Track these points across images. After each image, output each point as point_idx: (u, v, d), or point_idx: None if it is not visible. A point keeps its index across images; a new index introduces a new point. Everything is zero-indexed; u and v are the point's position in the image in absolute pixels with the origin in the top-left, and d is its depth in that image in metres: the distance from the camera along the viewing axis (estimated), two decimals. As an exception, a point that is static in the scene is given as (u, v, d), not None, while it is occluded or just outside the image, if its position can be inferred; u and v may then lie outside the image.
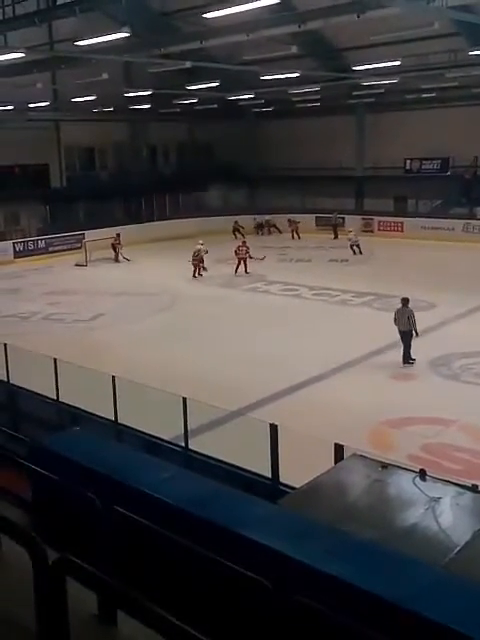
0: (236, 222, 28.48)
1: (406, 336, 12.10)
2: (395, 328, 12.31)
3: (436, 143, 27.55)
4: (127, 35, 13.46)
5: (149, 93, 24.37)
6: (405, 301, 12.33)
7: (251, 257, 20.90)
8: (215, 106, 28.89)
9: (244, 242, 21.79)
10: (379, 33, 17.81)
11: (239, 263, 20.85)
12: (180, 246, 24.52)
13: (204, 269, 20.77)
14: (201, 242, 21.22)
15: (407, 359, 12.12)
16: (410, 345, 12.06)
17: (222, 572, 2.49)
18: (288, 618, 2.18)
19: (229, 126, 31.89)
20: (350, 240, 23.96)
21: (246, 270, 20.73)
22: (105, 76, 19.96)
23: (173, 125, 31.53)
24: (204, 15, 12.29)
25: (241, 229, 28.19)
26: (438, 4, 12.72)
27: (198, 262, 20.66)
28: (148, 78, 23.25)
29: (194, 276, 20.54)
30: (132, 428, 8.04)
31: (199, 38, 16.58)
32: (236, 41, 16.56)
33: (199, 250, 20.81)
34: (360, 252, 23.71)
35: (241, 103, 29.09)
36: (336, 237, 27.75)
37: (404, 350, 12.07)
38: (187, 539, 2.62)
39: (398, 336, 12.34)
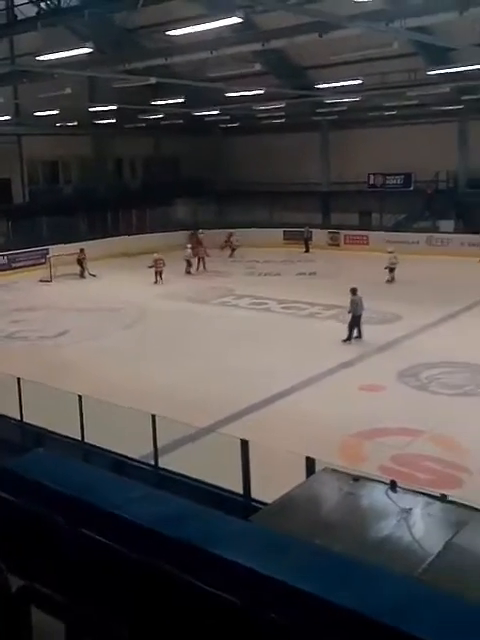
0: (198, 232, 28.38)
1: (357, 319, 14.34)
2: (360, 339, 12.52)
3: (398, 159, 28.21)
4: (90, 51, 13.45)
5: (114, 108, 24.35)
6: (354, 291, 14.59)
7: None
8: (181, 121, 29.07)
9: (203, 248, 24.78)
10: (341, 52, 18.21)
11: (199, 261, 24.11)
12: (147, 261, 24.40)
13: (160, 280, 22.17)
14: (157, 256, 22.37)
15: (360, 334, 14.43)
16: (361, 324, 14.47)
17: (194, 592, 2.43)
18: (263, 637, 2.13)
19: (195, 141, 32.09)
20: (391, 262, 21.07)
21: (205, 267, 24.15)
22: (68, 91, 19.89)
23: (139, 139, 31.50)
24: (168, 33, 12.37)
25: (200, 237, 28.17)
26: (397, 25, 13.10)
27: (159, 269, 22.18)
28: (113, 93, 23.22)
29: (156, 282, 21.99)
30: (99, 448, 7.88)
31: (163, 54, 16.71)
32: (200, 58, 16.74)
33: (157, 260, 22.24)
34: (392, 279, 20.92)
35: (207, 119, 29.33)
36: (307, 251, 28.04)
37: (358, 329, 14.38)
38: (158, 560, 2.55)
39: (364, 349, 12.61)
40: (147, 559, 2.52)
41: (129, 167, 34.00)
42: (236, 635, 2.26)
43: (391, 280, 20.81)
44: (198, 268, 24.32)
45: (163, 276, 22.15)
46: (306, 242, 28.49)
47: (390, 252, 21.31)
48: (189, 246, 24.68)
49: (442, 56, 20.57)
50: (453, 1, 12.51)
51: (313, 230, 29.34)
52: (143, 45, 22.89)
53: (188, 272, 23.73)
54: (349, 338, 14.34)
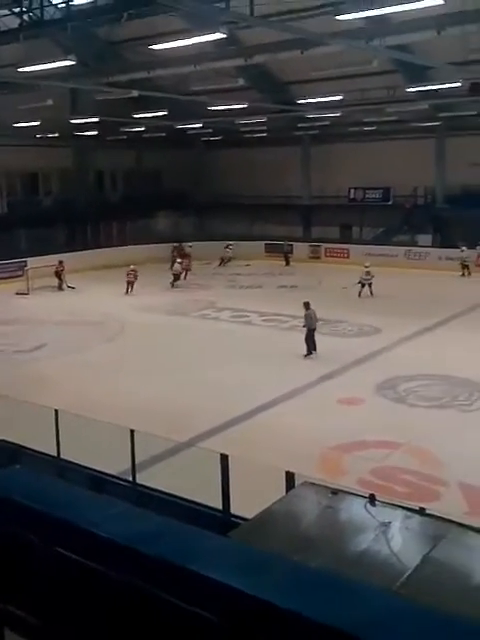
0: (185, 245, 28.46)
1: (312, 332, 14.62)
2: (339, 352, 12.62)
3: (378, 174, 28.61)
4: (73, 63, 13.46)
5: (96, 120, 24.36)
6: (307, 305, 15.03)
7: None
8: (163, 134, 29.16)
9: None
10: (322, 68, 18.49)
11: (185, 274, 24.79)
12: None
13: (131, 291, 22.54)
14: (133, 267, 22.82)
15: (314, 348, 14.55)
16: (314, 338, 14.63)
17: (173, 611, 2.41)
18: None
19: (177, 154, 32.20)
20: (362, 278, 20.91)
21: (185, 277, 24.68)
22: (50, 102, 19.86)
23: (120, 152, 31.46)
24: (151, 47, 12.45)
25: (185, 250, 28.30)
26: (376, 43, 13.36)
27: (131, 281, 22.51)
28: (95, 105, 23.29)
29: (126, 292, 22.33)
30: (76, 464, 7.77)
31: (146, 68, 16.79)
32: (183, 72, 16.86)
33: (129, 272, 22.67)
34: (367, 294, 20.80)
35: (189, 132, 29.47)
36: (288, 264, 28.16)
37: (313, 342, 14.56)
38: (136, 578, 2.53)
39: (343, 362, 12.64)
40: (124, 577, 2.50)
41: (110, 179, 33.90)
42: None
43: (360, 295, 20.67)
44: (186, 278, 24.74)
45: (134, 287, 22.49)
46: (286, 256, 28.70)
47: (366, 267, 21.15)
48: (179, 261, 24.85)
49: (420, 74, 20.98)
50: (431, 21, 12.81)
51: (294, 243, 29.57)
52: (126, 58, 22.96)
53: (174, 285, 23.69)
54: (309, 352, 14.51)
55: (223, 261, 28.76)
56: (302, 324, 14.91)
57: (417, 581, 3.40)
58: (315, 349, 14.60)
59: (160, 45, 12.14)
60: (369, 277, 20.86)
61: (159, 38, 13.54)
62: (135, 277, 22.56)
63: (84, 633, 2.26)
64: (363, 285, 20.74)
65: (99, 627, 2.53)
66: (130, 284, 22.48)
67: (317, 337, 16.42)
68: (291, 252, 29.14)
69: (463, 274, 24.56)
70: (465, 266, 24.60)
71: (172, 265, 26.93)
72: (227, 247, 28.78)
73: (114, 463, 7.54)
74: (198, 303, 20.64)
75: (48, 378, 13.13)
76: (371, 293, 20.77)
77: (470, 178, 26.83)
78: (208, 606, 2.29)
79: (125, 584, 2.46)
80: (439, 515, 4.20)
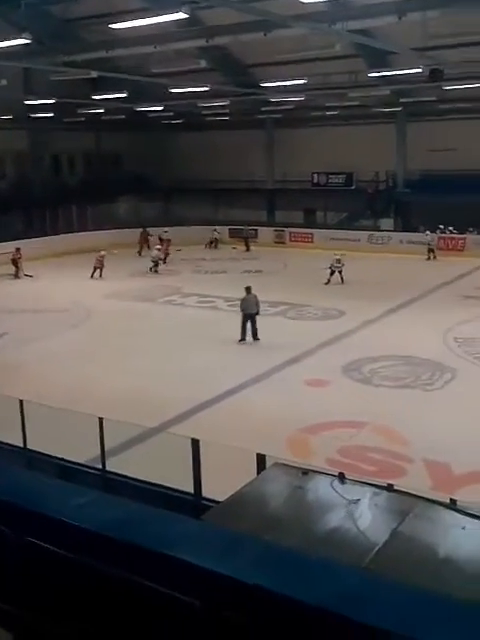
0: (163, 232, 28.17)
1: (251, 317, 14.37)
2: (305, 336, 12.82)
3: (341, 159, 28.78)
4: (28, 42, 13.04)
5: (52, 102, 23.68)
6: (248, 289, 14.82)
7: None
8: (123, 117, 28.60)
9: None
10: (285, 52, 18.41)
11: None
12: (90, 260, 23.95)
13: (100, 276, 22.45)
14: (103, 252, 22.70)
15: (255, 336, 14.34)
16: (256, 324, 14.43)
17: (149, 595, 2.42)
18: (218, 635, 2.15)
19: (138, 137, 31.67)
20: (332, 265, 20.79)
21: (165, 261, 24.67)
22: (3, 82, 19.24)
23: (79, 134, 30.64)
24: (111, 26, 12.17)
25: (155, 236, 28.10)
26: (339, 27, 13.36)
27: (100, 265, 22.43)
28: (51, 86, 22.62)
29: (92, 276, 22.30)
30: (44, 454, 7.67)
31: (105, 47, 16.40)
32: (144, 52, 16.54)
33: (102, 255, 22.59)
34: (336, 281, 20.56)
35: (150, 115, 29.00)
36: (248, 250, 28.18)
37: (253, 329, 14.34)
38: (110, 565, 2.53)
39: (309, 345, 12.88)
40: (99, 565, 2.50)
41: (68, 163, 33.05)
42: (196, 636, 2.28)
43: (329, 282, 20.47)
44: (165, 262, 24.71)
45: (102, 273, 22.41)
46: (246, 241, 28.57)
47: (336, 254, 21.06)
48: (158, 247, 24.61)
49: (382, 59, 21.11)
50: (393, 6, 12.88)
51: (258, 228, 29.57)
52: (83, 37, 22.37)
53: (154, 271, 23.34)
54: (243, 338, 14.25)
55: (211, 243, 28.68)
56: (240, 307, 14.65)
57: (386, 556, 3.50)
58: (249, 337, 14.28)
59: (120, 24, 11.88)
60: (340, 265, 20.73)
61: (118, 16, 13.26)
62: (102, 265, 22.43)
63: (61, 622, 2.25)
64: (333, 272, 20.64)
65: (76, 616, 2.53)
66: (97, 269, 22.37)
67: (283, 320, 16.56)
68: (255, 237, 29.13)
69: (429, 258, 24.95)
70: (431, 250, 25.02)
71: (140, 250, 26.77)
72: (215, 230, 28.79)
73: (83, 452, 7.49)
74: (164, 289, 20.49)
75: (12, 368, 12.86)
76: (342, 280, 20.61)
77: (429, 163, 27.25)
78: (186, 589, 2.31)
79: (100, 572, 2.46)
80: (406, 491, 4.31)
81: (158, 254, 23.99)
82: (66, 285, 21.47)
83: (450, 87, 21.08)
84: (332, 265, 20.73)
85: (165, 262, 24.81)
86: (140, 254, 26.77)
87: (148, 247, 26.68)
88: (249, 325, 14.43)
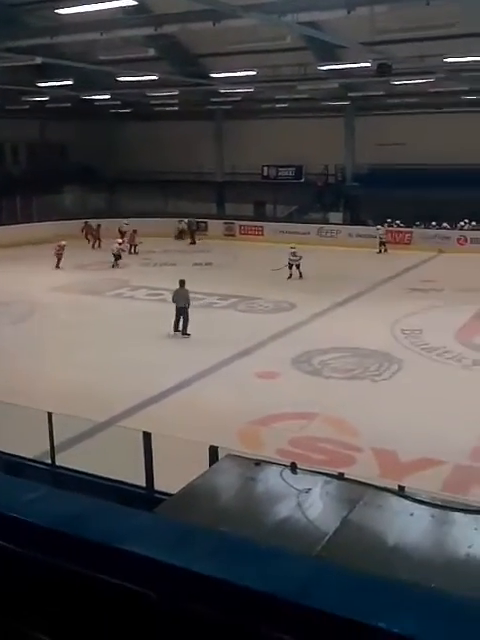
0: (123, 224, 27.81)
1: (183, 311, 14.27)
2: (256, 328, 12.94)
3: (290, 151, 28.98)
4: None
5: (-6, 88, 22.86)
6: (182, 283, 14.75)
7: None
8: (69, 105, 27.86)
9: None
10: (235, 43, 18.32)
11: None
12: (35, 252, 23.35)
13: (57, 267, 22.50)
14: (64, 242, 22.76)
15: (185, 331, 14.20)
16: (188, 319, 14.29)
17: (103, 590, 2.38)
18: (175, 627, 2.13)
19: (85, 126, 30.95)
20: (290, 259, 20.58)
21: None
22: None
23: (22, 122, 29.64)
24: (57, 11, 11.80)
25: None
26: (289, 19, 13.39)
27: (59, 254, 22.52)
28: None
29: (58, 266, 22.34)
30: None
31: (49, 33, 15.91)
32: (91, 39, 16.14)
33: (63, 245, 22.65)
34: (295, 275, 20.49)
35: (97, 103, 28.35)
36: (193, 242, 27.97)
37: (184, 323, 14.22)
38: (64, 560, 2.47)
39: (260, 337, 12.94)
40: (51, 560, 2.44)
41: (11, 152, 32.01)
42: (153, 628, 2.25)
43: (290, 277, 20.35)
44: (135, 252, 24.75)
45: (61, 263, 22.48)
46: (192, 234, 28.40)
47: (292, 248, 20.79)
48: (119, 241, 24.08)
49: (331, 52, 21.31)
50: (342, 0, 12.99)
51: (208, 221, 29.47)
52: (27, 22, 21.61)
53: (116, 266, 22.76)
54: (176, 329, 14.27)
55: (181, 234, 28.53)
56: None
57: (337, 544, 3.55)
58: (179, 330, 14.22)
59: (66, 9, 11.54)
60: (297, 258, 20.46)
61: (64, 2, 12.83)
62: (59, 252, 22.53)
63: (15, 619, 2.18)
64: (291, 266, 20.44)
65: (30, 612, 2.46)
66: (59, 258, 22.49)
67: (234, 313, 16.57)
68: (204, 229, 29.00)
69: (380, 251, 25.43)
70: (382, 243, 25.50)
71: (93, 244, 26.20)
72: (180, 221, 28.64)
73: (31, 447, 7.30)
74: (113, 282, 20.16)
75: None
76: (300, 275, 20.32)
77: (378, 157, 27.77)
78: (140, 582, 2.29)
79: (52, 567, 2.40)
80: (356, 479, 4.39)
81: (119, 248, 23.41)
82: (9, 277, 20.79)
83: (398, 82, 21.49)
84: (289, 259, 20.55)
85: (135, 252, 24.69)
86: (93, 247, 26.35)
87: (99, 241, 26.22)
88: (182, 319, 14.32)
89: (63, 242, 22.73)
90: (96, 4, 10.92)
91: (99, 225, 27.17)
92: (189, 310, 14.36)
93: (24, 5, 21.71)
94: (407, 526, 3.74)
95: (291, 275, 20.44)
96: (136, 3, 10.79)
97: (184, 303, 14.35)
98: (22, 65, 18.51)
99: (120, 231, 26.45)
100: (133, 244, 25.20)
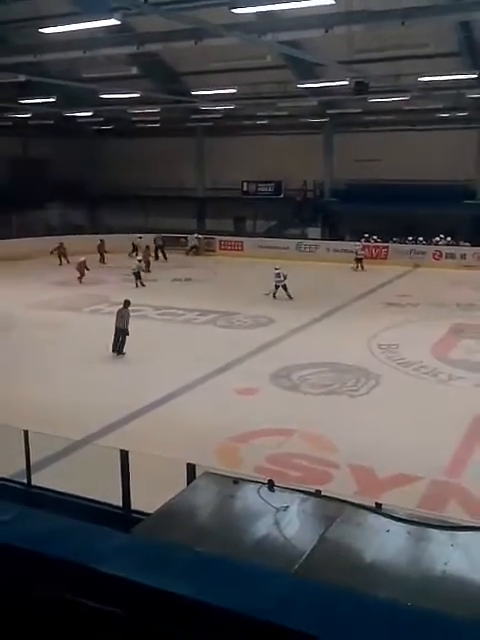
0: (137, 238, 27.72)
1: (122, 332, 14.12)
2: (235, 344, 12.93)
3: (270, 167, 29.29)
4: None
5: (-24, 105, 22.84)
6: (126, 303, 14.60)
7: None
8: (51, 122, 27.90)
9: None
10: (216, 60, 18.55)
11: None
12: (15, 268, 23.15)
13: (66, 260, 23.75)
14: (83, 257, 23.18)
15: (121, 350, 14.06)
16: (125, 340, 14.12)
17: (78, 611, 2.36)
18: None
19: (67, 143, 30.99)
20: (276, 280, 19.95)
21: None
22: None
23: (4, 139, 29.69)
24: (41, 30, 11.84)
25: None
26: (269, 38, 13.62)
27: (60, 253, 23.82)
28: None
29: (80, 280, 22.61)
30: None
31: (33, 51, 15.97)
32: (74, 57, 16.23)
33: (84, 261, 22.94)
34: (287, 296, 19.78)
35: (79, 120, 28.43)
36: (164, 259, 27.79)
37: (120, 343, 14.09)
38: (37, 580, 2.45)
39: (239, 353, 13.13)
40: (25, 582, 2.41)
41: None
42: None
43: (275, 296, 19.76)
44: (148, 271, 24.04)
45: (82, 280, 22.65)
46: (161, 250, 28.21)
47: (276, 269, 20.10)
48: (139, 258, 23.66)
49: (310, 71, 21.68)
50: (320, 19, 13.25)
51: (188, 236, 29.52)
52: (11, 40, 21.65)
53: (140, 285, 22.00)
54: (114, 349, 14.02)
55: (192, 250, 28.36)
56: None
57: (314, 561, 3.56)
58: (118, 351, 13.96)
59: (50, 28, 11.59)
60: (281, 279, 19.83)
61: (47, 20, 12.90)
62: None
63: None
64: (277, 287, 19.88)
65: (4, 635, 2.43)
66: (81, 275, 22.69)
67: (213, 329, 16.52)
68: (164, 246, 28.60)
69: (357, 268, 25.32)
70: (359, 260, 25.42)
71: (61, 261, 25.66)
72: (197, 237, 28.66)
73: (5, 467, 7.18)
74: (91, 298, 20.03)
75: None
76: (288, 296, 19.61)
77: (355, 173, 28.19)
78: (113, 602, 2.27)
79: (26, 588, 2.37)
80: (333, 496, 4.41)
81: (139, 265, 22.66)
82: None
83: (375, 99, 21.93)
84: (275, 280, 19.88)
85: (148, 270, 24.01)
86: (60, 265, 25.78)
87: (67, 260, 25.72)
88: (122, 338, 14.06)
89: (83, 258, 22.92)
90: (80, 23, 10.99)
91: (61, 243, 26.48)
92: (123, 332, 14.07)
93: (8, 23, 21.78)
94: (384, 543, 3.76)
95: (275, 295, 19.80)
96: (119, 23, 10.86)
97: (121, 324, 14.06)
98: (5, 82, 18.48)
99: (134, 245, 26.51)
100: (146, 260, 24.73)
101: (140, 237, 27.61)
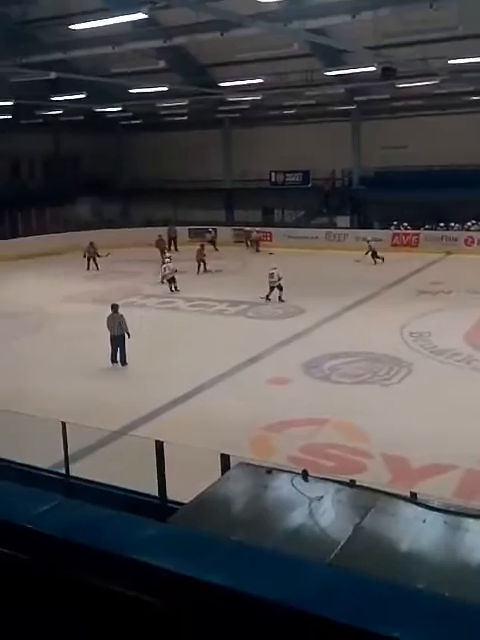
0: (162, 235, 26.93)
1: (119, 340, 12.89)
2: (266, 334, 12.94)
3: (298, 157, 29.05)
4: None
5: (10, 103, 23.22)
6: (115, 308, 13.22)
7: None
8: (81, 118, 28.24)
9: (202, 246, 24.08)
10: (243, 51, 18.46)
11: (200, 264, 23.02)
12: (48, 263, 23.51)
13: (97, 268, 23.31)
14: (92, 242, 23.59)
15: (123, 360, 12.88)
16: (125, 347, 12.90)
17: (114, 600, 2.41)
18: (186, 636, 2.16)
19: (97, 138, 31.32)
20: (271, 281, 18.08)
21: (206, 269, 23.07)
22: (-41, 84, 18.76)
23: (37, 136, 30.18)
24: (70, 27, 11.99)
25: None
26: (295, 26, 13.49)
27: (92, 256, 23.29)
28: (8, 87, 22.17)
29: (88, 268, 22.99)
30: (4, 460, 7.51)
31: (63, 49, 16.19)
32: (102, 53, 16.37)
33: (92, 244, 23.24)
34: (279, 298, 18.05)
35: (109, 115, 28.70)
36: (176, 249, 26.96)
37: (121, 352, 12.85)
38: (77, 570, 2.51)
39: (269, 343, 12.98)
40: (66, 571, 2.48)
41: (27, 165, 32.48)
42: (158, 637, 2.28)
43: (268, 298, 18.00)
44: (199, 271, 22.85)
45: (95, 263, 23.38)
46: (173, 241, 27.66)
47: (273, 269, 18.06)
48: (167, 257, 22.05)
49: (336, 58, 21.40)
50: (346, 5, 13.07)
51: (217, 228, 29.51)
52: (41, 39, 21.96)
53: (175, 289, 20.04)
54: (113, 360, 12.89)
55: (251, 243, 27.91)
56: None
57: (350, 551, 3.56)
58: (116, 361, 12.84)
59: (79, 25, 11.73)
60: (275, 279, 17.78)
61: (75, 17, 13.05)
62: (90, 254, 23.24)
63: (32, 629, 2.22)
64: (272, 288, 17.98)
65: (46, 622, 2.50)
66: (90, 260, 23.01)
67: (244, 320, 16.54)
68: (175, 237, 28.22)
69: (374, 262, 23.57)
70: (374, 254, 23.59)
71: (91, 257, 24.01)
72: (251, 232, 27.86)
73: (45, 457, 7.36)
74: (124, 290, 20.22)
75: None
76: (280, 298, 17.90)
77: (384, 161, 27.78)
78: (151, 592, 2.31)
79: (65, 577, 2.44)
80: (367, 486, 4.40)
81: (172, 267, 20.12)
82: (23, 288, 20.99)
83: (402, 85, 21.54)
84: (269, 282, 18.06)
85: (204, 270, 22.62)
86: (88, 268, 23.81)
87: (96, 264, 23.82)
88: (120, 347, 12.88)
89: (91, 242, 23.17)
90: (108, 19, 11.07)
91: (91, 242, 24.46)
92: (119, 339, 12.88)
93: (39, 22, 22.11)
94: (420, 533, 3.74)
95: (269, 298, 17.96)
96: (146, 17, 10.90)
97: (115, 330, 12.84)
98: (37, 80, 18.77)
99: (159, 246, 25.19)
100: (200, 260, 22.97)
101: (210, 231, 26.74)
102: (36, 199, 28.86)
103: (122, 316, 13.07)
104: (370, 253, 23.74)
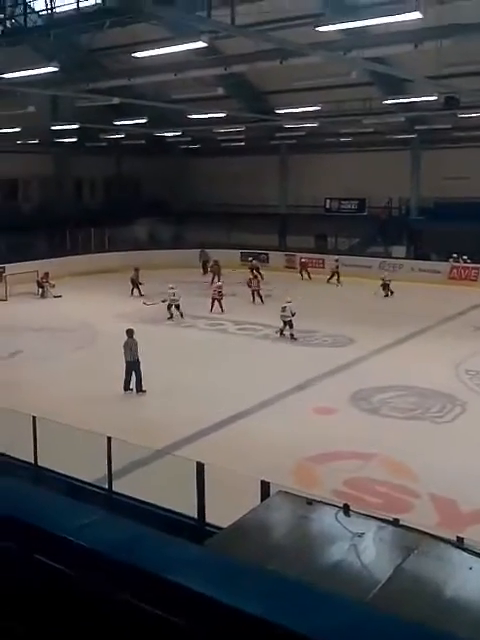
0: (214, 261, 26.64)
1: (134, 365, 12.45)
2: (313, 362, 12.78)
3: (354, 184, 28.97)
4: (55, 70, 13.35)
5: (76, 127, 24.26)
6: (130, 333, 12.75)
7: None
8: (142, 142, 29.19)
9: (254, 276, 23.44)
10: (301, 79, 18.69)
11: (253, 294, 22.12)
12: (105, 280, 24.12)
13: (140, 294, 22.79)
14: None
15: (139, 388, 12.45)
16: (140, 373, 12.46)
17: (148, 619, 2.40)
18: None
19: (156, 161, 32.24)
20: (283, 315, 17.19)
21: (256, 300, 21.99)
22: (31, 109, 19.73)
23: (100, 159, 31.49)
24: (134, 54, 12.46)
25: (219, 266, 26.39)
26: (354, 54, 13.56)
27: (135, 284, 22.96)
28: (75, 112, 23.23)
29: (132, 294, 22.84)
30: (53, 471, 7.66)
31: (127, 75, 16.82)
32: (164, 80, 16.90)
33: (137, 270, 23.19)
34: (290, 336, 17.03)
35: (168, 140, 29.53)
36: (205, 273, 27.04)
37: (137, 379, 12.42)
38: (111, 585, 2.51)
39: (317, 372, 12.85)
40: (100, 585, 2.48)
41: (89, 186, 33.81)
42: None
43: (280, 333, 17.12)
44: (254, 300, 21.89)
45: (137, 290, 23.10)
46: (204, 264, 27.77)
47: (287, 302, 17.21)
48: (219, 283, 21.92)
49: (397, 86, 21.36)
50: (409, 34, 13.06)
51: (269, 252, 29.62)
52: (107, 66, 22.97)
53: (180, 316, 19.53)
54: (126, 387, 12.46)
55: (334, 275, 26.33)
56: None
57: (390, 592, 3.42)
58: (130, 388, 12.40)
59: (142, 53, 12.15)
60: (288, 314, 16.81)
61: (140, 46, 13.56)
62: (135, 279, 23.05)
63: (64, 638, 2.23)
64: (285, 324, 17.01)
65: (77, 633, 2.51)
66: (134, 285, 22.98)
67: (290, 346, 16.35)
68: (266, 261, 28.83)
69: (386, 294, 22.86)
70: (385, 286, 22.94)
71: (132, 290, 23.29)
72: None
73: (90, 471, 7.46)
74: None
75: (25, 384, 12.90)
76: (292, 335, 16.86)
77: (443, 191, 27.33)
78: (182, 614, 2.28)
79: (101, 592, 2.44)
80: (412, 526, 4.24)
81: (219, 289, 20.30)
82: (80, 305, 21.57)
83: (465, 115, 21.25)
84: (281, 315, 17.12)
85: (261, 299, 21.57)
86: (132, 294, 23.14)
87: (140, 291, 23.04)
88: (134, 374, 12.45)
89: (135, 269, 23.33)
90: (170, 47, 11.44)
91: (137, 269, 23.84)
92: (134, 365, 12.46)
93: (103, 50, 23.16)
94: (465, 581, 3.56)
95: (282, 333, 17.07)
96: (206, 45, 11.21)
97: (129, 356, 12.40)
98: (102, 105, 19.58)
99: (213, 270, 24.82)
100: (255, 289, 21.79)
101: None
102: (96, 219, 29.83)
103: (136, 342, 12.54)
104: (385, 285, 23.01)
